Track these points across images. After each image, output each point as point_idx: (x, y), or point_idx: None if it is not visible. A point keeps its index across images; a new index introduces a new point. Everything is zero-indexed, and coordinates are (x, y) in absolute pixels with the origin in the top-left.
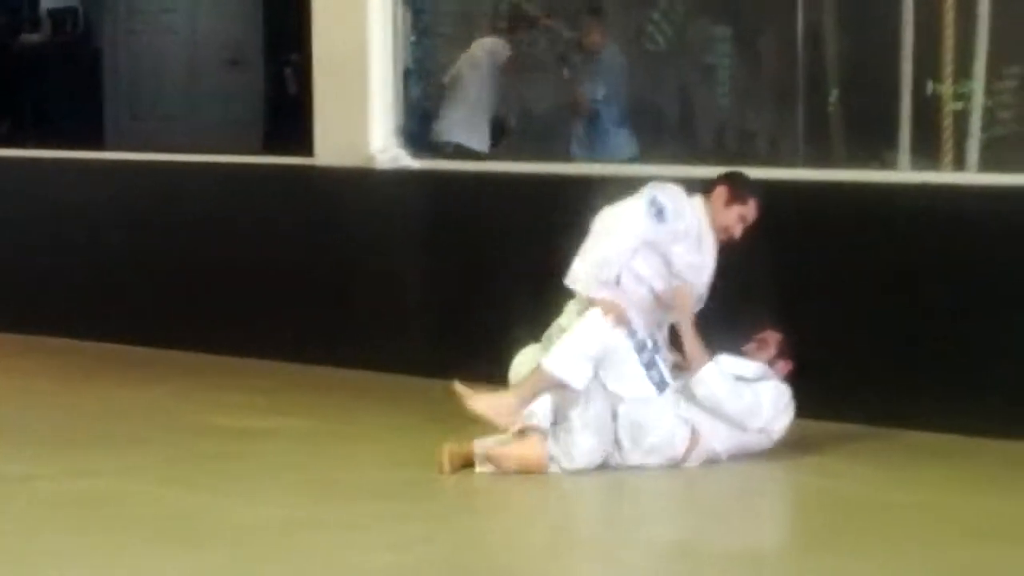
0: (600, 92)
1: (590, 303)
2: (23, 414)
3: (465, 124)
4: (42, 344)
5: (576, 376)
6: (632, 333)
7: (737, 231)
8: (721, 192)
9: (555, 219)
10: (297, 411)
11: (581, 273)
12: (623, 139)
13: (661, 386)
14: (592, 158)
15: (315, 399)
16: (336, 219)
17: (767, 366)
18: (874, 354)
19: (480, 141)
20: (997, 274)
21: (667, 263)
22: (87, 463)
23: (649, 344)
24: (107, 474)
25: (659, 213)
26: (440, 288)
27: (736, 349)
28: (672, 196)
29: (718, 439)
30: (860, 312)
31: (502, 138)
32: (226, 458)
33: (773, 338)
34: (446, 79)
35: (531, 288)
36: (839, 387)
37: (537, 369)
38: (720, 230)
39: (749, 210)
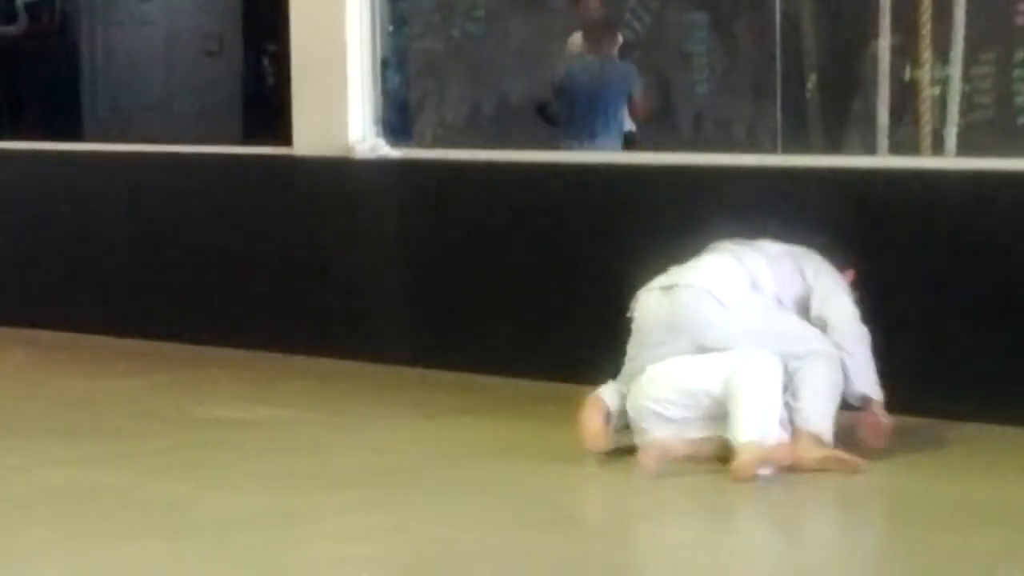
0: None
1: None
2: (2, 404)
3: None
4: (20, 336)
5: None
6: None
7: None
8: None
9: (536, 207)
10: (275, 401)
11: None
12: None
13: None
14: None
15: (294, 389)
16: (315, 209)
17: None
18: None
19: None
20: (972, 259)
21: None
22: (66, 453)
23: None
24: (85, 465)
25: None
26: (420, 277)
27: None
28: None
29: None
30: None
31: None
32: (204, 448)
33: None
34: None
35: (511, 276)
36: None
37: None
38: None
39: None
